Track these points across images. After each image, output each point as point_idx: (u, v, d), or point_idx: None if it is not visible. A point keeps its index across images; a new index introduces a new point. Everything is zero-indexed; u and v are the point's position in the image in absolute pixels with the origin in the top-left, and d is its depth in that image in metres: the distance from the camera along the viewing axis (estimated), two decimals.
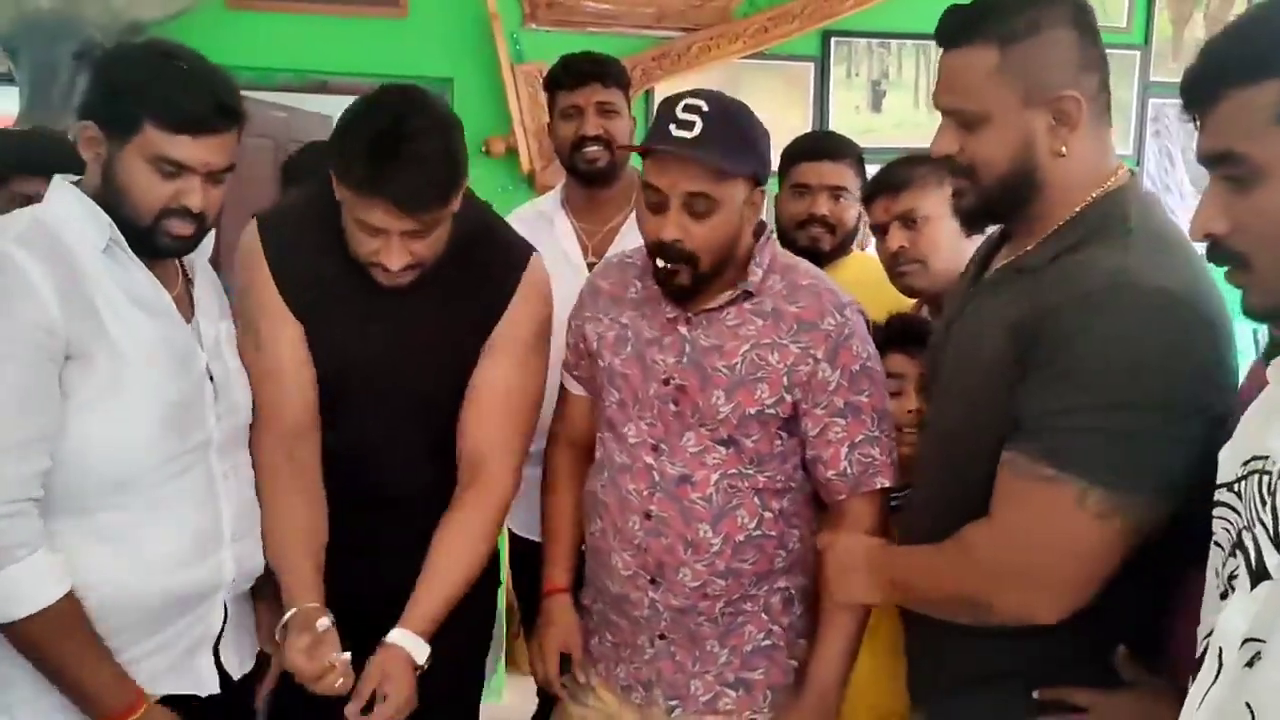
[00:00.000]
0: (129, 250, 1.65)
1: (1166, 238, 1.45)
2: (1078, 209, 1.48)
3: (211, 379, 1.74)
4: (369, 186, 1.70)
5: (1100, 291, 1.37)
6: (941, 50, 1.53)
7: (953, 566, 1.50)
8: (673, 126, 1.71)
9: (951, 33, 1.50)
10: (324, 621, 1.77)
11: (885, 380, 1.87)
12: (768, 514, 1.83)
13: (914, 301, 2.31)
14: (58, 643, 1.55)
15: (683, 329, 1.84)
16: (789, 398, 1.80)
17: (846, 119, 4.12)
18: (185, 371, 1.69)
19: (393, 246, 1.75)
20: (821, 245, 2.51)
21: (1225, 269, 1.18)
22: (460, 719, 2.13)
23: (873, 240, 2.50)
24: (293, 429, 1.87)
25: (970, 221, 1.62)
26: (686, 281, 1.78)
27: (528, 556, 2.45)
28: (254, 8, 3.82)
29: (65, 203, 1.63)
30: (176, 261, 1.77)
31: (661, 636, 1.87)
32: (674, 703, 1.88)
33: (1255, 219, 1.11)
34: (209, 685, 1.76)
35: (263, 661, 1.91)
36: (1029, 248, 1.52)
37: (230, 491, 1.76)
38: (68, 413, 1.55)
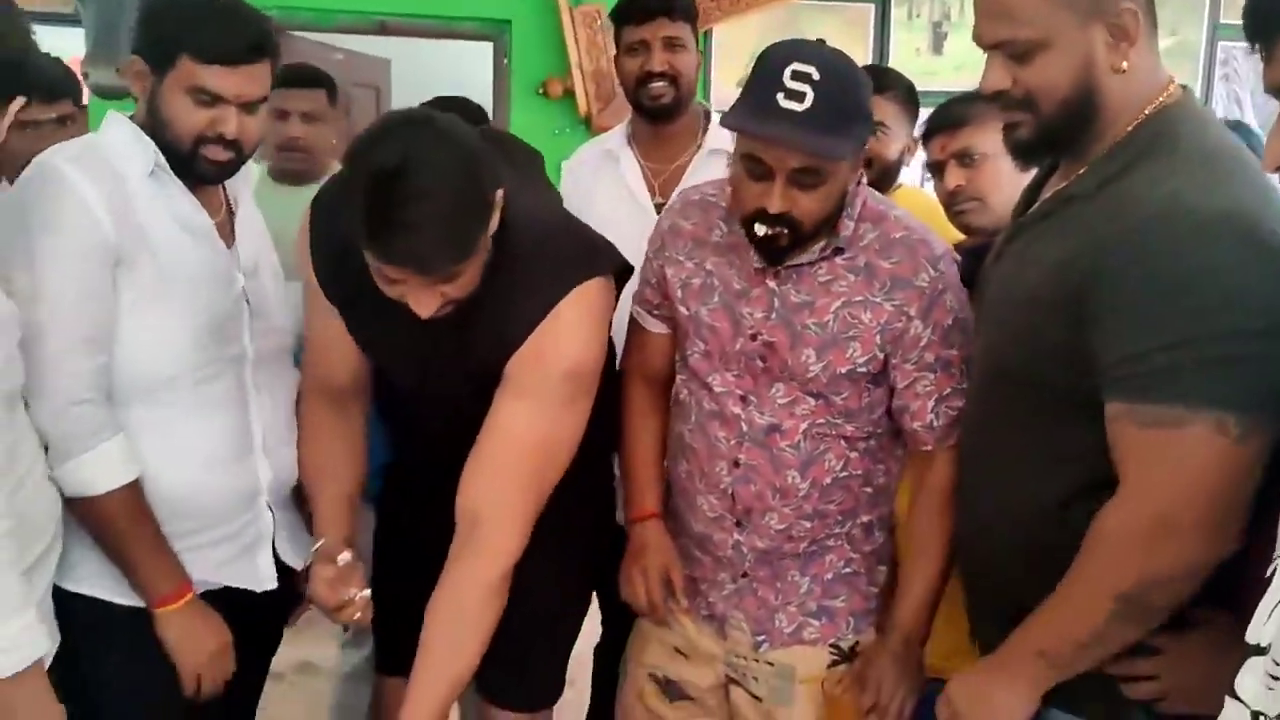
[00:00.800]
0: (172, 174, 1.75)
1: (1221, 157, 1.40)
2: (1129, 129, 1.44)
3: (249, 302, 1.85)
4: (374, 251, 1.55)
5: (1155, 220, 1.33)
6: None
7: (1094, 581, 1.39)
8: (780, 96, 1.58)
9: None
10: (345, 556, 1.80)
11: (972, 325, 1.81)
12: (854, 454, 1.82)
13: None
14: (123, 523, 1.68)
15: (771, 283, 1.77)
16: (880, 355, 1.75)
17: (907, 61, 4.07)
18: (223, 290, 1.80)
19: (419, 295, 1.59)
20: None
21: None
22: (562, 639, 2.13)
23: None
24: (338, 392, 1.91)
25: (1027, 155, 1.56)
26: (786, 244, 1.70)
27: None
28: None
29: (116, 131, 1.75)
30: (221, 191, 1.87)
31: (744, 575, 1.88)
32: (760, 637, 1.89)
33: None
34: (266, 582, 1.89)
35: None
36: (1079, 173, 1.48)
37: (264, 405, 1.87)
38: (117, 313, 1.68)
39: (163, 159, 1.73)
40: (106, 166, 1.68)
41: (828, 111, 1.59)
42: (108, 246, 1.64)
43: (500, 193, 1.60)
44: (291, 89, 2.83)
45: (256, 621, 1.92)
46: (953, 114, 2.19)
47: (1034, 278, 1.46)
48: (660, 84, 2.48)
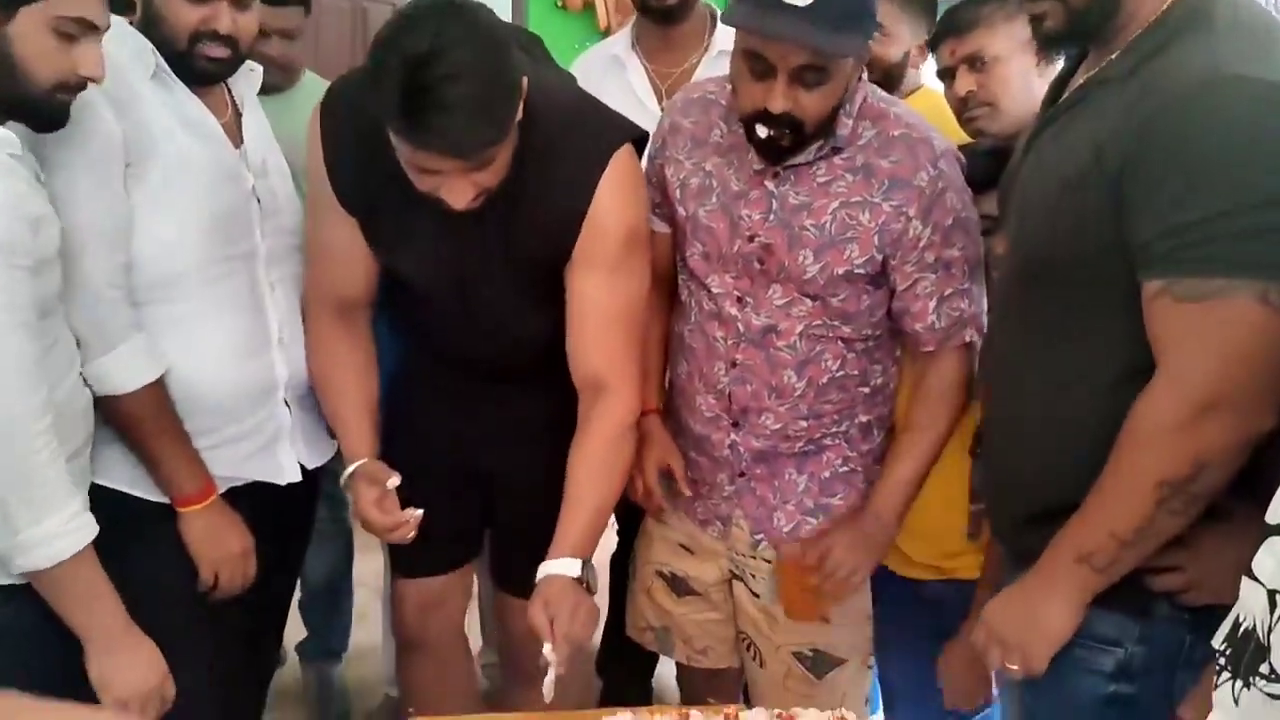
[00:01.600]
0: (174, 76, 1.76)
1: (1258, 29, 1.37)
2: (1162, 9, 1.41)
3: (259, 200, 1.87)
4: (409, 137, 1.55)
5: (1197, 91, 1.31)
6: None
7: (1136, 470, 1.36)
8: None
9: None
10: (394, 480, 1.83)
11: (977, 226, 1.82)
12: (851, 355, 1.83)
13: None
14: (149, 422, 1.72)
15: (770, 184, 1.76)
16: (879, 256, 1.74)
17: None
18: (232, 187, 1.83)
19: (453, 185, 1.60)
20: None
21: None
22: None
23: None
24: (346, 304, 1.91)
25: (1055, 45, 1.54)
26: (788, 145, 1.70)
27: None
28: None
29: (116, 34, 1.73)
30: (225, 93, 1.89)
31: (741, 474, 1.91)
32: (758, 535, 1.92)
33: None
34: (289, 474, 1.94)
35: None
36: (1111, 57, 1.45)
37: (278, 301, 1.90)
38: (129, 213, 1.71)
39: (162, 61, 1.74)
40: (111, 69, 1.66)
41: (833, 7, 1.57)
42: (117, 146, 1.66)
43: (525, 79, 1.62)
44: (271, 5, 2.78)
45: (282, 521, 1.97)
46: (960, 17, 2.14)
47: (1070, 161, 1.43)
48: None
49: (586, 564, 1.74)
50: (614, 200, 1.74)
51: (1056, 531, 1.45)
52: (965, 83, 2.11)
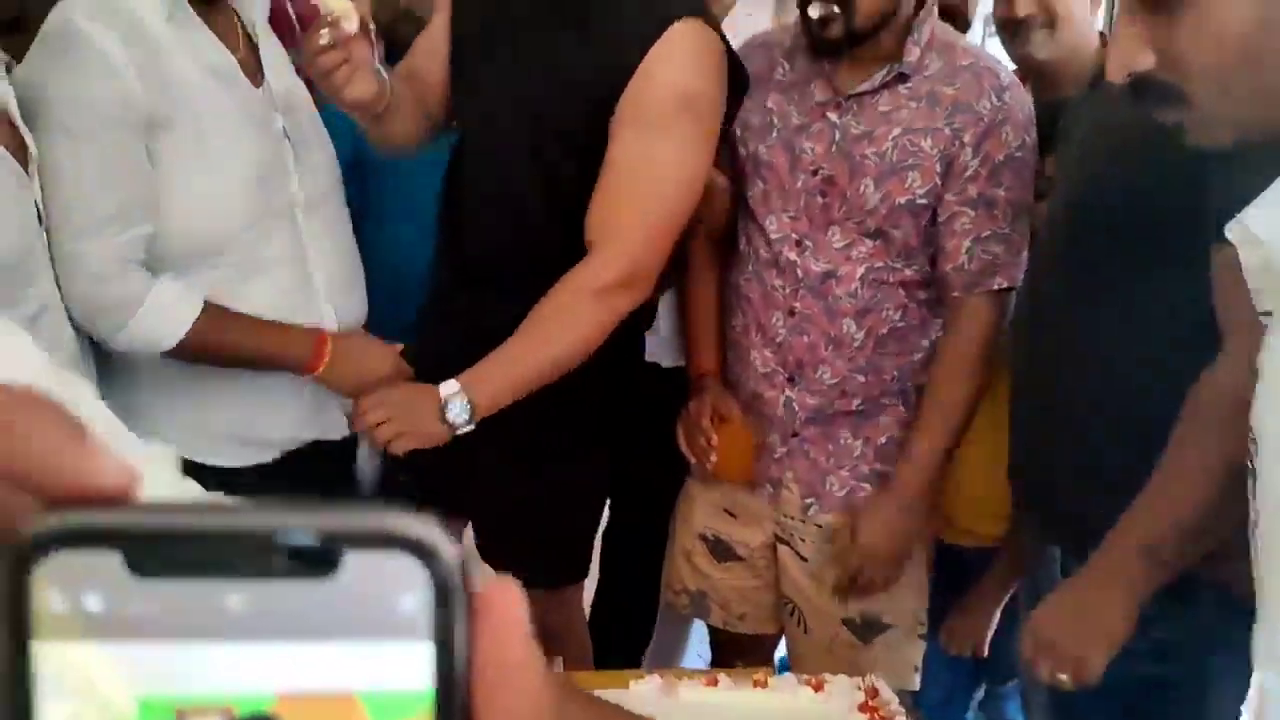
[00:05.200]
0: (191, 13, 1.63)
1: None
2: None
3: (290, 140, 1.76)
4: None
5: None
6: None
7: (1203, 450, 1.28)
8: None
9: None
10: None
11: (1032, 169, 1.76)
12: (912, 305, 1.79)
13: None
14: (224, 339, 1.65)
15: (832, 115, 1.75)
16: (940, 184, 1.70)
17: None
18: (263, 133, 1.71)
19: None
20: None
21: None
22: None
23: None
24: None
25: None
26: (839, 33, 1.66)
27: None
28: None
29: None
30: (236, 23, 1.75)
31: (795, 435, 1.87)
32: (809, 500, 1.89)
33: None
34: (337, 430, 1.85)
35: None
36: None
37: (323, 250, 1.79)
38: (159, 179, 1.59)
39: None
40: (125, 15, 1.56)
41: None
42: (138, 110, 1.54)
43: None
44: None
45: (338, 483, 1.91)
46: None
47: (1139, 120, 1.36)
48: None
49: (461, 399, 1.62)
50: (679, 55, 1.63)
51: (1102, 514, 1.37)
52: (1027, 3, 2.03)
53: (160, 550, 0.25)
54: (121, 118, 1.53)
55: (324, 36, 1.53)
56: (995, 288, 1.76)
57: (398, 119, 1.76)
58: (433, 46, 1.85)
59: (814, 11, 1.66)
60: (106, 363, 1.67)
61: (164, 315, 1.61)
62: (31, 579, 0.25)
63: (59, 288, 1.55)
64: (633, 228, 1.67)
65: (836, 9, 1.64)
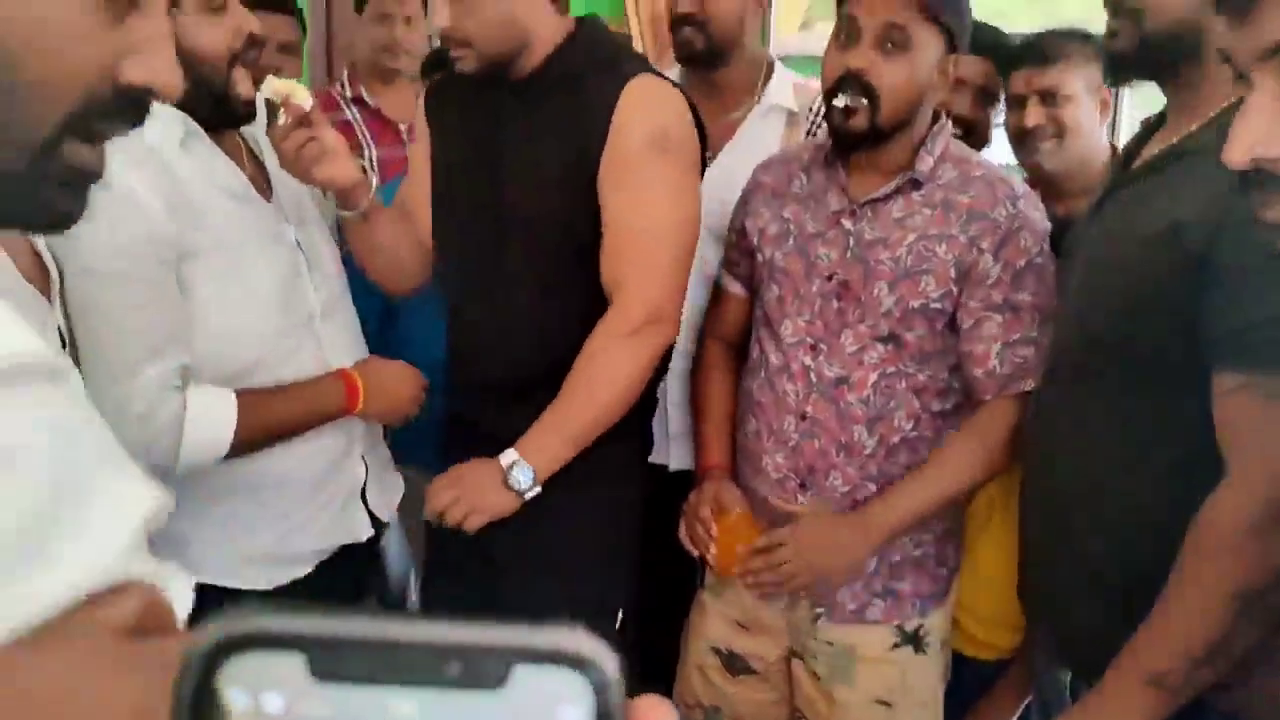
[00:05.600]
0: (204, 136, 1.66)
1: None
2: None
3: (302, 250, 1.78)
4: None
5: None
6: None
7: (1209, 580, 1.27)
8: None
9: None
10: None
11: (1052, 274, 1.75)
12: (925, 415, 1.78)
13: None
14: (268, 418, 1.66)
15: (847, 222, 1.77)
16: (955, 290, 1.72)
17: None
18: (278, 250, 1.74)
19: (438, 4, 1.73)
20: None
21: None
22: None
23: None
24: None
25: (1117, 69, 1.49)
26: (864, 124, 1.70)
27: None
28: None
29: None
30: (240, 142, 1.77)
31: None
32: (819, 610, 1.86)
33: None
34: (364, 531, 1.86)
35: None
36: (1192, 129, 1.40)
37: (339, 353, 1.81)
38: (191, 308, 1.61)
39: (192, 123, 1.63)
40: (145, 149, 1.58)
41: None
42: (167, 242, 1.55)
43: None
44: (266, 12, 2.65)
45: (361, 578, 1.92)
46: (1043, 49, 2.10)
47: (1143, 235, 1.37)
48: (687, 29, 2.24)
49: (521, 465, 1.74)
50: (638, 102, 1.75)
51: (1108, 636, 1.36)
52: (1036, 114, 2.08)
53: (341, 656, 0.27)
54: (153, 254, 1.54)
55: (281, 118, 1.62)
56: (1026, 389, 1.74)
57: (399, 249, 1.87)
58: (415, 176, 1.93)
59: (840, 102, 1.69)
60: None
61: (210, 422, 1.61)
62: (218, 678, 0.26)
63: None
64: (645, 269, 1.76)
65: (865, 100, 1.68)
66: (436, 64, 2.92)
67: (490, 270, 1.86)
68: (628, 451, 1.96)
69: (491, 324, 1.88)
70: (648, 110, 1.75)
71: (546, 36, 1.79)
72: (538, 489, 1.75)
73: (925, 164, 1.73)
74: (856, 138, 1.71)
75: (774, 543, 1.78)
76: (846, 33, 1.69)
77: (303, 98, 1.65)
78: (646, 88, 1.77)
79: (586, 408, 1.77)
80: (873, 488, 1.78)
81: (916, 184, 1.73)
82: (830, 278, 1.77)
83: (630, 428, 1.89)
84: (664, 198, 1.76)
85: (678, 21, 2.26)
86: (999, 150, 2.34)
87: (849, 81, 1.68)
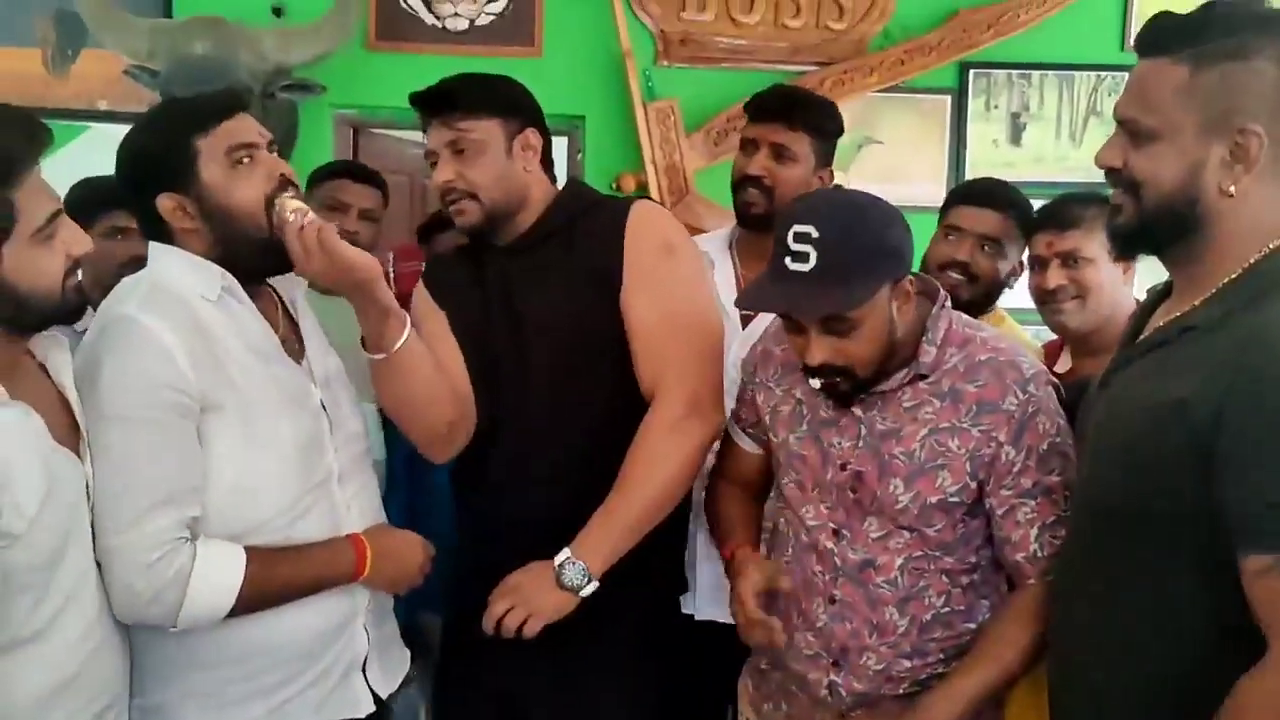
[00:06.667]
0: (242, 295, 1.69)
1: None
2: (1251, 260, 1.36)
3: (326, 411, 1.78)
4: (416, 105, 1.95)
5: None
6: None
7: None
8: (788, 260, 1.60)
9: (1149, 41, 1.40)
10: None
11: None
12: (956, 590, 1.74)
13: (1041, 347, 2.26)
14: (275, 578, 1.63)
15: (857, 410, 1.75)
16: (973, 483, 1.70)
17: (985, 153, 4.02)
18: (303, 411, 1.73)
19: (442, 161, 1.90)
20: (959, 294, 2.27)
21: None
22: None
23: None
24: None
25: (1124, 243, 1.51)
26: (848, 389, 1.70)
27: None
28: (391, 49, 3.91)
29: (173, 262, 1.67)
30: (276, 301, 1.80)
31: (842, 716, 1.79)
32: None
33: None
34: (364, 706, 1.80)
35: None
36: (1195, 303, 1.41)
37: (353, 521, 1.78)
38: (208, 462, 1.60)
39: (230, 279, 1.66)
40: (177, 303, 1.61)
41: (834, 265, 1.57)
42: (189, 394, 1.56)
43: (543, 142, 2.00)
44: (354, 182, 2.78)
45: None
46: (1065, 214, 2.17)
47: (1150, 412, 1.37)
48: (753, 191, 2.34)
49: (572, 562, 1.78)
50: (642, 222, 1.94)
51: None
52: (1057, 276, 2.14)
53: None
54: (173, 402, 1.55)
55: (291, 216, 1.67)
56: None
57: (433, 398, 1.90)
58: (442, 345, 1.96)
59: (814, 383, 1.70)
60: (134, 669, 1.63)
61: (216, 580, 1.57)
62: None
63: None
64: (681, 361, 1.88)
65: (838, 377, 1.67)
66: (436, 226, 3.01)
67: (530, 430, 1.92)
68: (658, 600, 1.99)
69: (531, 458, 1.92)
70: (653, 225, 1.94)
71: (539, 197, 1.95)
72: (594, 585, 1.76)
73: (928, 356, 1.70)
74: (846, 398, 1.73)
75: None
76: (791, 326, 1.69)
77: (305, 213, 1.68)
78: (649, 207, 1.99)
79: (638, 503, 1.81)
80: (908, 664, 1.73)
81: (922, 375, 1.71)
82: (844, 467, 1.74)
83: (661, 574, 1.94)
84: (685, 291, 1.92)
85: (744, 181, 2.36)
86: (1021, 296, 2.38)
87: (814, 370, 1.67)
